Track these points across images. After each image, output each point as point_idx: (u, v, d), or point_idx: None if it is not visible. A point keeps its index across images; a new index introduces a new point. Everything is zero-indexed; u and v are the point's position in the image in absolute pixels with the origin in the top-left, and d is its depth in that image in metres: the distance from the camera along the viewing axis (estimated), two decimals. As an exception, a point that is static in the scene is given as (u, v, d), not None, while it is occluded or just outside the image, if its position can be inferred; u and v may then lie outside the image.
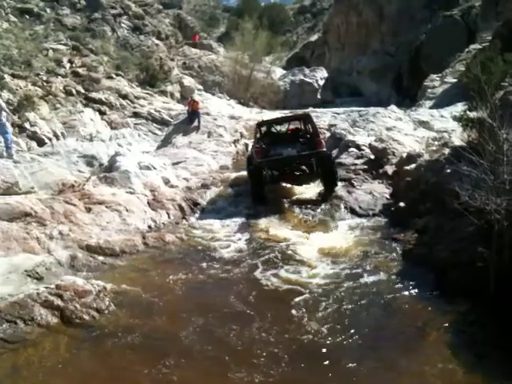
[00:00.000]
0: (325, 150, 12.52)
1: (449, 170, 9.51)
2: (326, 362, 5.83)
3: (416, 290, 7.40)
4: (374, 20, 45.07)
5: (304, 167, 12.51)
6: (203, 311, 7.05)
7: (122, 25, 31.33)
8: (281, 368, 5.72)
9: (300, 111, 20.55)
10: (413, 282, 7.60)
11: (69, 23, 28.17)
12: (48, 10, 28.68)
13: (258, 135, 14.05)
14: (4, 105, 13.57)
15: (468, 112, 11.18)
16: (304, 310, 6.98)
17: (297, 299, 7.35)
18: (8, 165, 11.49)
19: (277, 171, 12.63)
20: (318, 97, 40.07)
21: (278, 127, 15.27)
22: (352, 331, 6.42)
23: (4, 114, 13.06)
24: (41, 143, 16.69)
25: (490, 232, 6.72)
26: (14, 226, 9.17)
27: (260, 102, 34.82)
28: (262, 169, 12.22)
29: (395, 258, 8.63)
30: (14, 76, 19.19)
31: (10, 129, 13.27)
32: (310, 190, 13.19)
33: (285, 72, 43.40)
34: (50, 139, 17.22)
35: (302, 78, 40.40)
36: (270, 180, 12.50)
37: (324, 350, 6.03)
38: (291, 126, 15.14)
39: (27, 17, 26.89)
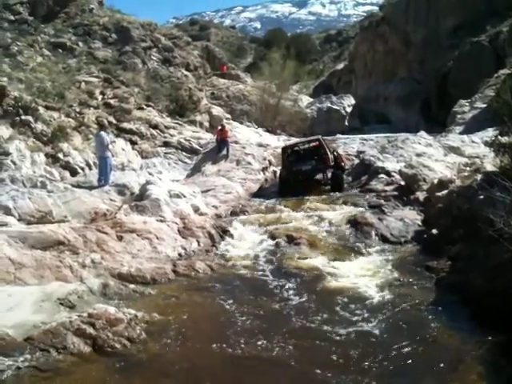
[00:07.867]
0: (332, 163, 17.47)
1: (482, 196, 9.34)
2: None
3: (450, 319, 7.19)
4: (401, 48, 45.22)
5: (318, 175, 17.90)
6: (235, 340, 6.97)
7: (152, 57, 32.08)
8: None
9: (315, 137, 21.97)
10: (446, 311, 7.42)
11: (100, 56, 29.00)
12: (80, 44, 29.58)
13: (285, 155, 18.59)
14: (108, 140, 14.86)
15: (499, 137, 11.04)
16: (331, 337, 6.87)
17: (324, 329, 7.26)
18: (42, 194, 11.73)
19: (299, 178, 17.52)
20: (346, 124, 40.22)
21: (301, 146, 19.62)
22: (384, 360, 6.27)
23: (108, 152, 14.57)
24: (74, 173, 17.09)
25: (526, 259, 6.57)
26: (48, 255, 9.28)
27: (288, 130, 35.07)
28: (288, 179, 17.43)
29: (428, 287, 8.45)
30: (47, 108, 19.77)
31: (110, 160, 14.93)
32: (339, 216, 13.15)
33: (312, 100, 43.73)
34: (83, 169, 17.64)
35: (329, 105, 40.65)
36: (294, 184, 17.09)
37: (350, 377, 5.91)
38: (312, 144, 19.25)
39: (60, 51, 27.82)
